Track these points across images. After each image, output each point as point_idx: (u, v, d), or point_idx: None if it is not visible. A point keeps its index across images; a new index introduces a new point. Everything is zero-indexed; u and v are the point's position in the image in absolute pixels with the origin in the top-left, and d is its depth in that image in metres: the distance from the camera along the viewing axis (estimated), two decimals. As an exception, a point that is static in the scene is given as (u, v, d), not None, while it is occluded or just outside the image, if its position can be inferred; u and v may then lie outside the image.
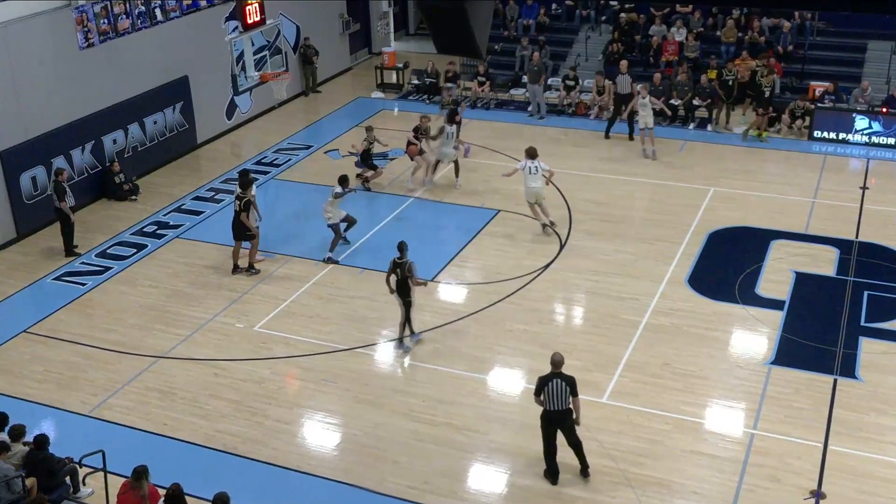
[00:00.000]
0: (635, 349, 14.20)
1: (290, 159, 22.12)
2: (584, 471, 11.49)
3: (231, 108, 24.04)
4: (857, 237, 17.52)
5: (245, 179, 16.65)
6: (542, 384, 11.25)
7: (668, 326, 14.77)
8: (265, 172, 21.28)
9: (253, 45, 19.86)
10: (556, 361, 11.29)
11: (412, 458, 12.03)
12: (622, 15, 26.84)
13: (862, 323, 14.83)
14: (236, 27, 20.67)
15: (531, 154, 17.46)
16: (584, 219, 18.39)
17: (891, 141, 22.16)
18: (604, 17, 27.96)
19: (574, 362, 13.80)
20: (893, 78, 24.15)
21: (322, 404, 13.24)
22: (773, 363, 13.86)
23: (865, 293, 15.65)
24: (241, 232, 16.53)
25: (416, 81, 26.89)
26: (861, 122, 22.40)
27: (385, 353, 14.43)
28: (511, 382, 13.70)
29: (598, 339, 14.50)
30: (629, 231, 17.83)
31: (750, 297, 15.58)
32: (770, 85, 22.66)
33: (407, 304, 14.25)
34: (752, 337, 14.63)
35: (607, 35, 27.22)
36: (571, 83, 24.68)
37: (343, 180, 17.32)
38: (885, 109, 22.43)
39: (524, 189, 17.58)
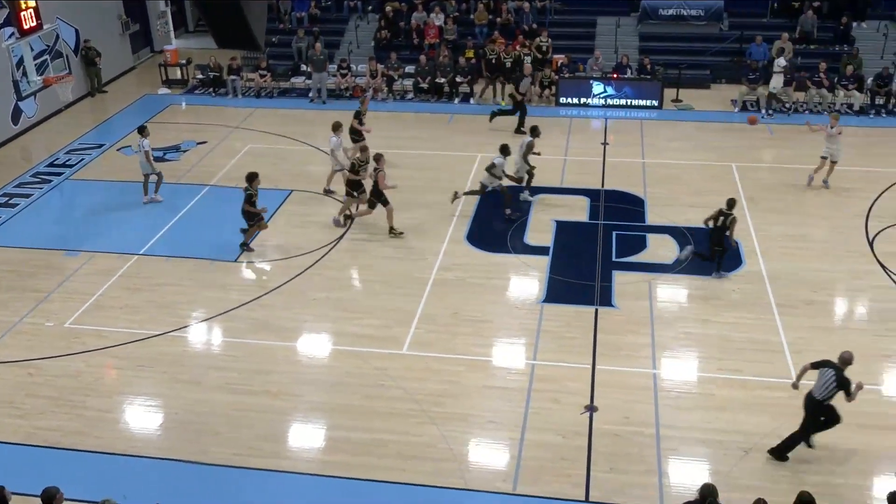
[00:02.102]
0: (427, 303, 14.45)
1: (83, 159, 20.74)
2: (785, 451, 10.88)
3: (16, 114, 22.17)
4: (602, 186, 18.57)
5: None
6: (816, 366, 10.66)
7: (453, 280, 15.13)
8: (59, 174, 19.87)
9: (32, 49, 18.43)
10: (843, 358, 10.50)
11: (234, 427, 11.73)
12: (387, 6, 26.95)
13: (614, 259, 15.76)
14: (13, 33, 19.10)
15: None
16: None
17: (622, 102, 23.61)
18: (370, 7, 28.00)
19: (374, 321, 13.94)
20: (620, 48, 25.67)
21: (141, 389, 12.62)
22: (544, 301, 14.50)
23: (614, 233, 16.64)
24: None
25: (200, 76, 25.94)
26: (597, 88, 23.70)
27: (198, 334, 13.92)
28: (319, 347, 13.58)
29: (393, 298, 14.63)
30: (412, 198, 17.99)
31: (520, 247, 16.21)
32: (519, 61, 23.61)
33: (718, 252, 14.73)
34: (525, 281, 15.23)
35: (375, 23, 27.27)
36: (344, 71, 24.68)
37: (504, 149, 17.15)
38: (615, 75, 23.84)
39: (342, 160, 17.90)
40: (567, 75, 24.03)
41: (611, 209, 17.57)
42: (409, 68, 24.96)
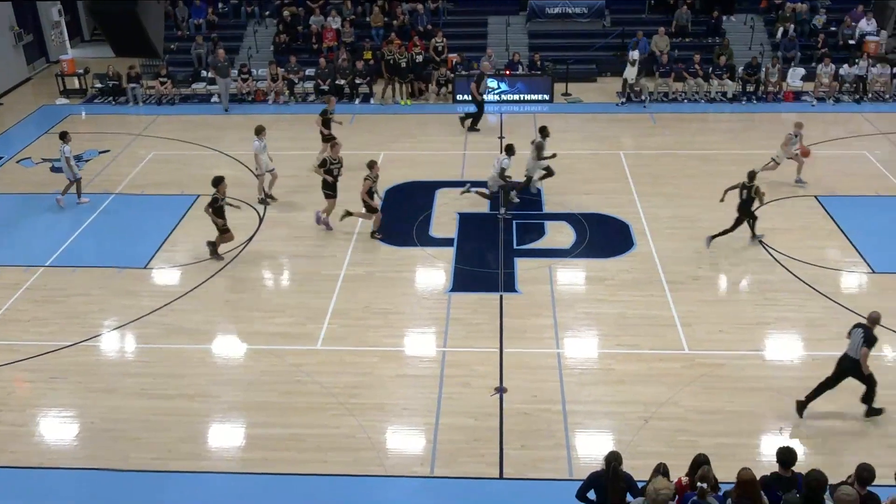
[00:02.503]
0: (339, 299, 14.35)
1: (-20, 173, 19.77)
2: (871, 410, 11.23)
3: None
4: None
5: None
6: (852, 329, 10.96)
7: (363, 275, 15.06)
8: (-44, 188, 18.90)
9: (-80, 64, 17.44)
10: (872, 318, 10.82)
11: (152, 432, 11.40)
12: (285, 10, 26.56)
13: (515, 246, 16.00)
14: None
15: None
16: (278, 193, 18.15)
17: (516, 97, 23.94)
18: (267, 13, 27.52)
19: (287, 319, 13.76)
20: (511, 45, 25.98)
21: (55, 401, 12.12)
22: (451, 291, 14.59)
23: (514, 223, 16.87)
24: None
25: (99, 85, 25.02)
26: (491, 84, 23.93)
27: (111, 342, 13.46)
28: (234, 347, 13.31)
29: (305, 295, 14.47)
30: (318, 198, 17.76)
31: (426, 240, 16.26)
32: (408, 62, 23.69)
33: (751, 217, 15.46)
34: (432, 272, 15.28)
35: (273, 28, 26.83)
36: (246, 76, 24.25)
37: (509, 149, 17.08)
38: (508, 72, 24.12)
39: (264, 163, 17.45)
40: (462, 73, 24.18)
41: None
42: (310, 71, 24.69)
